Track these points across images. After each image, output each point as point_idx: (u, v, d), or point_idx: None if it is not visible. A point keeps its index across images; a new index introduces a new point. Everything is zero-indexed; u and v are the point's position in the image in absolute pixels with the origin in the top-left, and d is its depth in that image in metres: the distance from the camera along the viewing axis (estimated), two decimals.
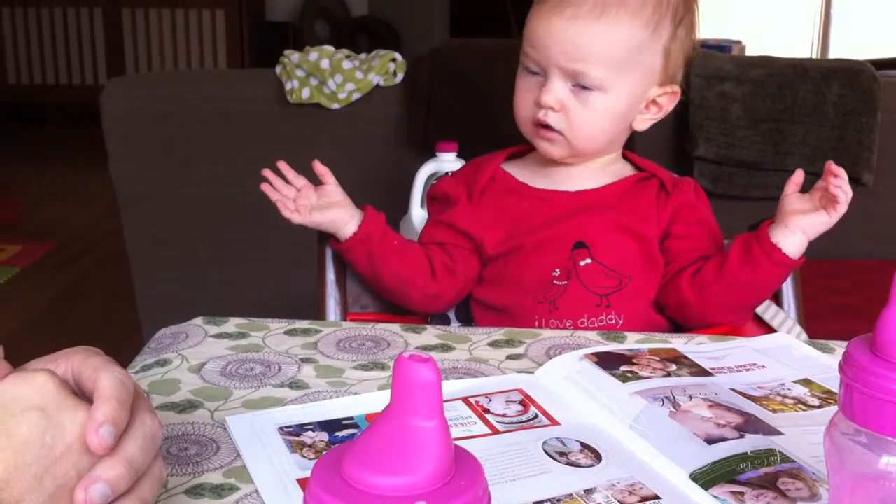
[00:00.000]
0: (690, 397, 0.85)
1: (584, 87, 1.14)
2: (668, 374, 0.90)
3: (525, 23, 1.18)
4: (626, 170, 1.25)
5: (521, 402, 0.86)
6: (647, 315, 1.20)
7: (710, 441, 0.78)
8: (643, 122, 1.22)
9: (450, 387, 0.88)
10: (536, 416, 0.84)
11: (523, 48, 1.18)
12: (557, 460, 0.76)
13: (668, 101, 1.21)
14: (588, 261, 1.18)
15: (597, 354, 0.94)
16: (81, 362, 0.62)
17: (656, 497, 0.71)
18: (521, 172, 1.25)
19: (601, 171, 1.23)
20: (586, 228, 1.19)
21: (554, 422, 0.83)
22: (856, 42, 5.05)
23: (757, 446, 0.77)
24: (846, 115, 2.19)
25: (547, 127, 1.17)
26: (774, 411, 0.84)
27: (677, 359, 0.95)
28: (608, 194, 1.21)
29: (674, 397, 0.85)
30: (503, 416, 0.83)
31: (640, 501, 0.70)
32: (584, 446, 0.78)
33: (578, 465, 0.75)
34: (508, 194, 1.23)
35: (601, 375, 0.91)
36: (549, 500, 0.70)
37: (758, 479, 0.73)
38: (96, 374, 0.61)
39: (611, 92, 1.15)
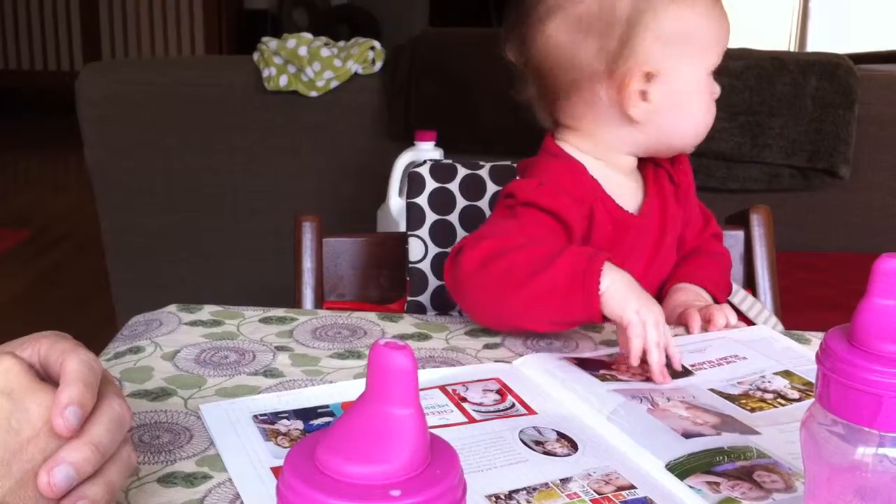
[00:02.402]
0: (668, 399, 0.85)
1: None
2: (648, 380, 0.90)
3: (693, 33, 1.11)
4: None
5: (499, 392, 0.86)
6: None
7: (687, 436, 0.78)
8: None
9: (427, 375, 0.88)
10: (513, 406, 0.83)
11: (705, 54, 1.12)
12: (534, 449, 0.75)
13: None
14: None
15: (576, 359, 0.94)
16: (49, 346, 0.61)
17: (632, 487, 0.71)
18: (604, 178, 1.15)
19: (636, 174, 1.19)
20: (635, 259, 1.14)
21: (531, 411, 0.82)
22: (834, 36, 5.08)
23: (734, 443, 0.77)
24: (824, 108, 2.20)
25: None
26: (752, 410, 0.84)
27: None
28: (655, 212, 1.16)
29: (652, 398, 0.85)
30: (480, 404, 0.83)
31: (615, 491, 0.70)
32: (561, 435, 0.78)
33: (555, 455, 0.75)
34: (607, 219, 1.12)
35: (580, 372, 0.90)
36: (524, 488, 0.70)
37: (734, 470, 0.73)
38: (63, 357, 0.60)
39: None
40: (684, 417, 0.81)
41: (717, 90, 1.15)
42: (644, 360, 0.91)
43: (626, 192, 1.15)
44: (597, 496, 0.69)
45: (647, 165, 1.18)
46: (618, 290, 0.93)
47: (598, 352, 0.97)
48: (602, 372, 0.91)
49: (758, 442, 0.77)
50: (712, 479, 0.72)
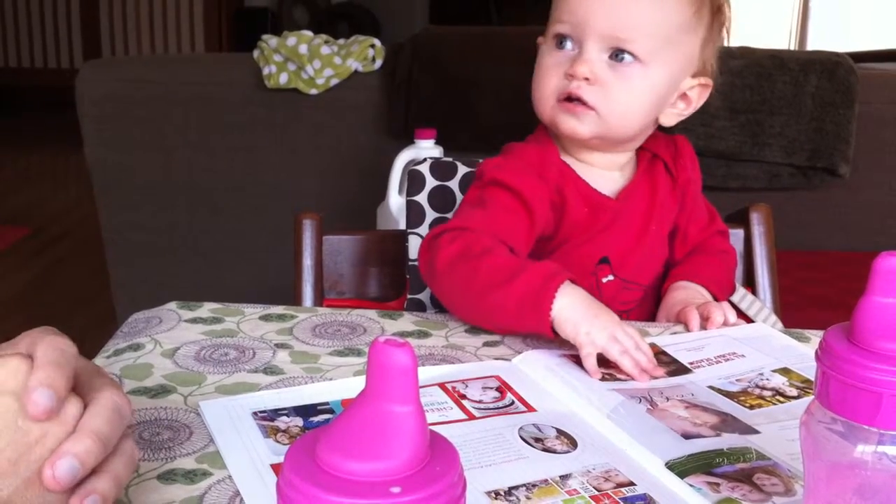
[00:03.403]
0: (667, 399, 0.85)
1: (623, 60, 1.07)
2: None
3: None
4: (634, 155, 1.19)
5: (498, 389, 0.86)
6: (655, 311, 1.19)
7: (687, 437, 0.78)
8: (671, 117, 1.15)
9: (427, 372, 0.88)
10: (513, 403, 0.83)
11: (553, 17, 1.09)
12: (533, 446, 0.75)
13: (699, 94, 1.15)
14: (610, 277, 1.14)
15: (576, 356, 0.94)
16: (30, 343, 0.61)
17: (632, 483, 0.71)
18: (577, 165, 1.15)
19: (628, 165, 1.18)
20: (613, 242, 1.14)
21: (530, 408, 0.82)
22: (834, 34, 5.08)
23: (733, 444, 0.77)
24: (824, 106, 2.20)
25: (576, 101, 1.08)
26: (751, 407, 0.84)
27: (656, 356, 0.94)
28: (640, 198, 1.16)
29: (651, 398, 0.85)
30: (479, 402, 0.83)
31: (615, 487, 0.70)
32: (560, 433, 0.78)
33: (554, 452, 0.75)
34: (580, 202, 1.13)
35: (579, 371, 0.91)
36: (524, 485, 0.70)
37: (734, 472, 0.73)
38: (34, 347, 0.59)
39: (651, 68, 1.07)
40: (683, 418, 0.81)
41: (572, 69, 1.07)
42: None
43: (602, 175, 1.16)
44: (596, 492, 0.69)
45: (644, 154, 1.19)
46: (570, 314, 0.94)
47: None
48: (601, 371, 0.91)
49: (757, 442, 0.77)
50: (712, 480, 0.72)
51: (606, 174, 1.16)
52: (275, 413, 0.80)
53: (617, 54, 1.07)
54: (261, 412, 0.80)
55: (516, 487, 0.69)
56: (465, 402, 0.83)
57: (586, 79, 1.07)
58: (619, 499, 0.69)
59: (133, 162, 2.42)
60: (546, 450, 0.75)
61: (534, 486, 0.70)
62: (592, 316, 0.93)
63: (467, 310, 1.03)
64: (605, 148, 1.14)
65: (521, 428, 0.78)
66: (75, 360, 0.60)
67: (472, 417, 0.80)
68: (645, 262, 1.17)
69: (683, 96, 1.14)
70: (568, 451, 0.75)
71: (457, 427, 0.78)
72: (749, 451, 0.76)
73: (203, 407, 0.81)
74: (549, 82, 1.10)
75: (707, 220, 1.24)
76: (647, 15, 1.06)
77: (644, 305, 1.19)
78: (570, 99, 1.08)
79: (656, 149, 1.19)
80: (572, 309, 0.94)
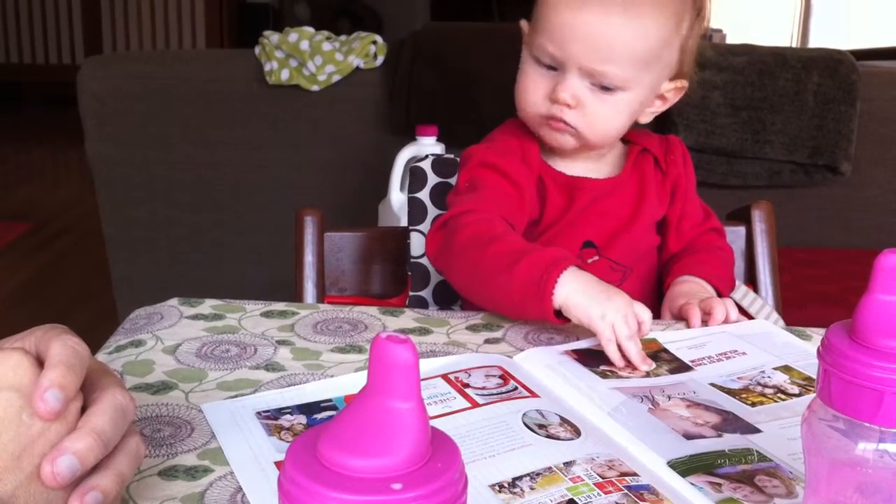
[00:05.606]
0: (669, 397, 0.85)
1: (604, 86, 1.10)
2: (647, 375, 0.90)
3: (539, 9, 1.12)
4: (620, 145, 1.23)
5: (501, 377, 0.86)
6: (644, 300, 1.19)
7: (688, 437, 0.78)
8: (648, 116, 1.18)
9: (429, 364, 0.88)
10: (516, 388, 0.83)
11: (537, 39, 1.11)
12: (537, 433, 0.75)
13: (675, 94, 1.18)
14: (595, 258, 1.16)
15: (577, 352, 0.94)
16: (39, 338, 0.61)
17: (635, 474, 0.71)
18: (553, 160, 1.19)
19: (608, 155, 1.21)
20: (597, 226, 1.16)
21: (533, 394, 0.82)
22: (836, 32, 5.07)
23: (734, 445, 0.77)
24: (826, 104, 2.20)
25: (559, 120, 1.12)
26: (753, 404, 0.84)
27: (657, 353, 0.94)
28: (626, 185, 1.19)
29: (652, 396, 0.85)
30: (483, 388, 0.83)
31: (619, 476, 0.70)
32: (564, 420, 0.78)
33: (558, 438, 0.75)
34: (557, 187, 1.17)
35: (581, 368, 0.91)
36: (528, 474, 0.70)
37: (735, 474, 0.73)
38: (47, 344, 0.59)
39: (631, 90, 1.11)
40: (685, 418, 0.81)
41: (554, 94, 1.11)
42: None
43: (580, 164, 1.19)
44: (600, 480, 0.69)
45: (634, 147, 1.22)
46: (579, 299, 0.94)
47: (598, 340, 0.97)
48: (602, 368, 0.91)
49: (758, 442, 0.77)
50: (714, 480, 0.71)
51: (582, 164, 1.19)
52: (278, 412, 0.80)
53: (600, 82, 1.10)
54: (264, 412, 0.80)
55: (520, 478, 0.69)
56: (468, 391, 0.83)
57: (568, 104, 1.10)
58: (624, 486, 0.69)
59: (134, 157, 2.42)
60: (550, 436, 0.75)
61: (538, 474, 0.70)
62: (605, 298, 0.94)
63: (476, 294, 1.06)
64: (585, 151, 1.19)
65: (524, 414, 0.78)
66: (87, 361, 0.60)
67: (475, 405, 0.80)
68: (632, 246, 1.19)
69: (661, 96, 1.18)
70: (572, 439, 0.75)
71: (460, 417, 0.78)
72: (751, 452, 0.76)
73: (206, 409, 0.80)
74: (534, 102, 1.14)
75: (702, 217, 1.25)
76: (629, 46, 1.08)
77: (626, 287, 1.19)
78: (552, 119, 1.12)
79: (648, 144, 1.22)
80: (581, 294, 0.94)
